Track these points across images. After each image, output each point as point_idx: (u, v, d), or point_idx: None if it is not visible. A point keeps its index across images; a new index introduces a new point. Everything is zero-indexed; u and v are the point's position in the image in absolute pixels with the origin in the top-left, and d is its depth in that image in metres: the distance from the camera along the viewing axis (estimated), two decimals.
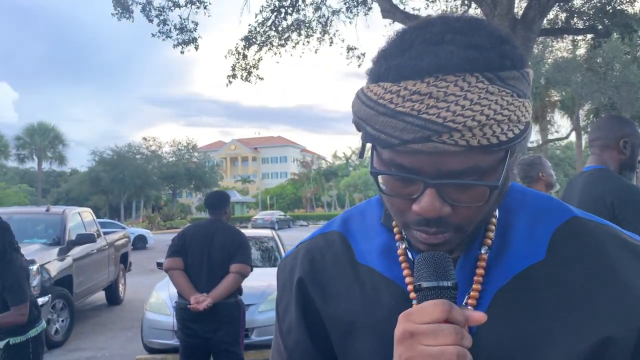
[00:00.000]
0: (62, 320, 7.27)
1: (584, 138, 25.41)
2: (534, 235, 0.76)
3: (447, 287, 0.64)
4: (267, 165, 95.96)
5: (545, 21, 9.47)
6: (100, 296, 9.89)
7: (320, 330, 0.81)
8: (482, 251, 0.75)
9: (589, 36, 10.62)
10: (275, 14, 10.69)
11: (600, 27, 9.44)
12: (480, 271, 0.74)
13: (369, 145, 0.71)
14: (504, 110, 0.62)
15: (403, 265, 0.77)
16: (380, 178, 0.71)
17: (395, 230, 0.80)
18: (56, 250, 7.45)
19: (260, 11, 10.63)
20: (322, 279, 0.83)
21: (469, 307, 0.69)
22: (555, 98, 26.38)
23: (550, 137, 28.38)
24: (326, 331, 0.81)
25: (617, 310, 0.70)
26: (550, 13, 10.05)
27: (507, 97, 0.63)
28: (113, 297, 9.97)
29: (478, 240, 0.75)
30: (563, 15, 10.27)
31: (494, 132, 0.62)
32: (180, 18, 10.09)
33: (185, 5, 9.94)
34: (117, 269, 9.93)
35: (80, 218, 8.82)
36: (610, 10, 9.23)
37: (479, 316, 0.63)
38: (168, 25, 9.97)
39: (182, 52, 10.25)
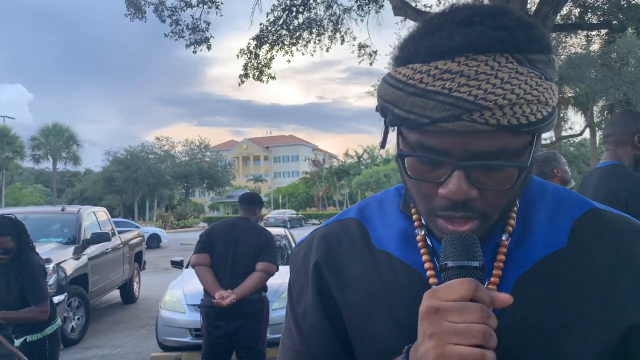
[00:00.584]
0: (78, 318, 7.35)
1: (598, 135, 25.14)
2: (555, 224, 0.76)
3: (473, 267, 0.63)
4: (279, 164, 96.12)
5: (558, 17, 9.39)
6: (115, 294, 9.99)
7: (336, 314, 0.81)
8: (503, 238, 0.75)
9: (603, 31, 10.50)
10: (286, 12, 10.70)
11: (614, 22, 9.33)
12: (501, 257, 0.74)
13: (391, 135, 0.71)
14: (533, 90, 0.63)
15: (422, 251, 0.77)
16: (406, 162, 0.70)
17: (414, 217, 0.80)
18: (71, 249, 7.52)
19: (271, 10, 10.66)
20: (339, 264, 0.82)
21: (494, 289, 0.68)
22: (569, 94, 26.12)
23: (563, 134, 28.11)
24: (341, 315, 0.80)
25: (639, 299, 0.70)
26: (564, 8, 9.95)
27: (535, 79, 0.64)
28: (128, 295, 10.06)
29: (499, 228, 0.75)
30: (577, 11, 10.17)
31: (523, 111, 0.63)
32: (193, 18, 10.15)
33: (197, 5, 9.99)
34: (131, 267, 10.01)
35: (95, 217, 8.90)
36: (625, 5, 9.12)
37: (505, 297, 0.62)
38: (180, 25, 10.04)
39: (194, 52, 10.31)
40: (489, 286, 0.72)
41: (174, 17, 9.90)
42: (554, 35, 15.83)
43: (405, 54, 0.68)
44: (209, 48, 10.38)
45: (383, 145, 0.75)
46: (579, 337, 0.69)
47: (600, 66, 18.07)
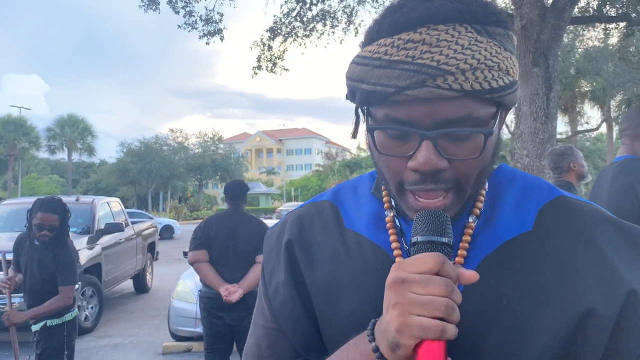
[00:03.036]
0: (92, 308, 7.43)
1: (615, 129, 24.79)
2: (522, 208, 0.77)
3: (442, 242, 0.64)
4: (292, 157, 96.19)
5: (576, 9, 9.25)
6: (128, 284, 10.08)
7: (306, 292, 0.82)
8: (470, 219, 0.77)
9: (622, 24, 10.32)
10: (300, 4, 10.66)
11: (633, 14, 9.16)
12: (466, 237, 0.75)
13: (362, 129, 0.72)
14: (493, 57, 0.66)
15: (390, 231, 0.79)
16: (376, 138, 0.71)
17: (384, 199, 0.82)
18: (85, 238, 7.60)
19: (285, 2, 10.62)
20: (310, 243, 0.84)
21: (460, 266, 0.68)
22: (586, 88, 25.77)
23: (579, 128, 27.78)
24: (310, 294, 0.82)
25: (600, 284, 0.71)
26: (582, 1, 9.81)
27: (495, 47, 0.67)
28: (141, 285, 10.16)
29: (467, 210, 0.77)
30: (595, 3, 10.01)
31: (485, 76, 0.65)
32: (206, 9, 10.15)
33: None
34: (144, 257, 10.09)
35: (108, 208, 8.98)
36: None
37: (471, 274, 0.63)
38: (194, 16, 10.03)
39: (207, 44, 10.31)
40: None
41: (187, 9, 9.90)
42: (571, 28, 15.62)
43: (371, 33, 0.71)
44: (222, 39, 10.38)
45: (355, 134, 0.75)
46: (538, 318, 0.70)
47: (618, 60, 17.78)
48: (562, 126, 27.79)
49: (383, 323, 0.62)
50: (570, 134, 26.65)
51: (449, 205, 0.70)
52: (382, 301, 0.64)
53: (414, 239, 0.66)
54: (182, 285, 6.24)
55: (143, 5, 9.69)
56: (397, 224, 0.79)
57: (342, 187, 0.91)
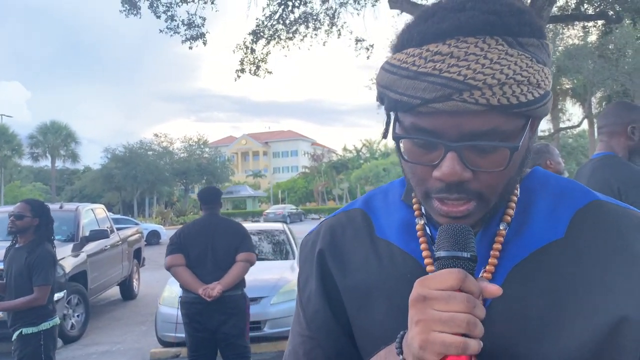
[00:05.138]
0: (78, 316, 7.37)
1: (597, 126, 25.09)
2: (554, 215, 0.76)
3: (465, 257, 0.64)
4: (278, 160, 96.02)
5: (555, 8, 9.37)
6: (115, 291, 10.01)
7: (338, 301, 0.83)
8: (501, 227, 0.76)
9: (600, 22, 10.48)
10: (282, 7, 10.66)
11: (611, 13, 9.31)
12: (497, 246, 0.74)
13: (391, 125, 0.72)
14: (523, 71, 0.64)
15: (421, 239, 0.79)
16: (402, 147, 0.72)
17: (415, 206, 0.82)
18: (70, 246, 7.54)
19: (267, 5, 10.62)
20: (341, 252, 0.85)
21: (485, 279, 0.68)
22: (567, 86, 26.09)
23: (562, 125, 28.10)
24: (343, 301, 0.83)
25: (633, 291, 0.70)
26: (560, 0, 9.94)
27: (526, 60, 0.65)
28: (127, 292, 10.08)
29: (498, 217, 0.76)
30: (573, 2, 10.15)
31: (513, 91, 0.64)
32: (188, 13, 10.11)
33: (193, 1, 9.95)
34: (130, 264, 10.03)
35: (93, 214, 8.91)
36: None
37: (495, 289, 0.63)
38: (176, 20, 10.00)
39: (190, 48, 10.27)
40: (484, 274, 0.73)
41: (169, 13, 9.86)
42: (551, 26, 15.80)
43: (401, 40, 0.70)
44: (205, 43, 10.34)
45: (385, 135, 0.75)
46: (567, 328, 0.69)
47: (598, 57, 18.05)
48: (544, 123, 28.05)
49: (408, 338, 0.63)
50: (552, 131, 26.93)
51: (472, 211, 0.70)
52: None
53: (437, 254, 0.66)
54: (168, 290, 6.21)
55: (124, 10, 9.63)
56: (428, 231, 0.79)
57: (374, 194, 0.91)
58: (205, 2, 10.03)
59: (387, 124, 0.74)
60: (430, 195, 0.71)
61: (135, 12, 9.63)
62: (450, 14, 0.66)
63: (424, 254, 0.77)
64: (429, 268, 0.75)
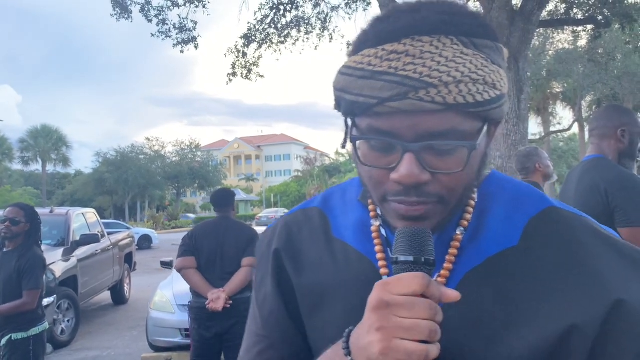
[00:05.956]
0: (68, 321, 7.32)
1: (587, 129, 25.25)
2: (510, 221, 0.76)
3: (423, 261, 0.64)
4: (271, 163, 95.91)
5: (545, 12, 9.44)
6: (106, 296, 9.95)
7: (294, 301, 0.82)
8: (458, 232, 0.75)
9: (589, 27, 10.58)
10: (274, 11, 10.69)
11: (600, 17, 9.40)
12: (453, 251, 0.74)
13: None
14: (478, 70, 0.64)
15: (376, 241, 0.78)
16: (359, 148, 0.70)
17: (370, 207, 0.81)
18: (60, 251, 7.49)
19: (259, 9, 10.65)
20: (297, 251, 0.84)
21: (442, 284, 0.69)
22: (557, 90, 26.28)
23: (552, 129, 28.28)
24: (298, 303, 0.82)
25: (583, 299, 0.70)
26: (550, 4, 10.01)
27: (481, 60, 0.65)
28: (118, 296, 10.03)
29: (454, 221, 0.76)
30: (563, 6, 10.24)
31: (469, 90, 0.63)
32: (179, 17, 10.12)
33: (184, 5, 9.95)
34: (122, 268, 9.97)
35: (84, 219, 8.86)
36: (610, 0, 9.19)
37: (454, 294, 0.62)
38: (167, 24, 9.99)
39: (182, 52, 10.27)
40: (438, 279, 0.73)
41: (160, 17, 9.85)
42: (541, 30, 15.92)
43: (357, 43, 0.70)
44: (196, 47, 10.34)
45: (344, 144, 0.74)
46: (518, 335, 0.70)
47: (588, 61, 18.16)
48: (535, 127, 28.27)
49: (363, 341, 0.62)
50: (543, 134, 27.11)
51: (431, 213, 0.69)
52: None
53: (395, 257, 0.65)
54: (159, 295, 6.18)
55: (115, 14, 9.62)
56: (383, 233, 0.79)
57: (333, 193, 0.90)
58: (196, 6, 10.04)
59: (347, 132, 0.73)
60: (387, 198, 0.70)
61: (126, 16, 9.62)
62: (405, 14, 0.67)
63: (379, 256, 0.77)
64: (382, 271, 0.75)
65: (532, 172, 3.55)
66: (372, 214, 0.81)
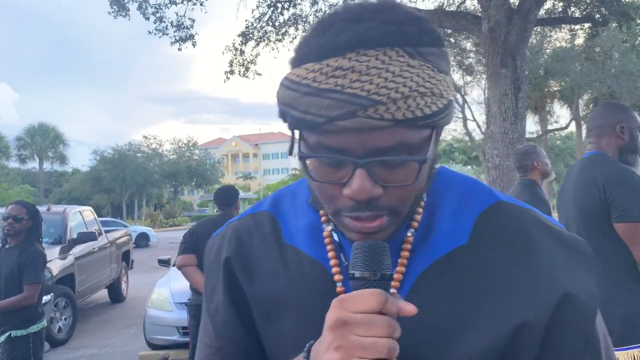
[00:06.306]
0: (65, 319, 7.31)
1: (584, 128, 25.32)
2: (458, 219, 0.76)
3: (380, 277, 0.63)
4: (268, 162, 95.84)
5: (542, 11, 9.45)
6: (103, 294, 9.94)
7: (247, 311, 0.80)
8: (408, 234, 0.75)
9: (587, 25, 10.59)
10: (272, 9, 10.67)
11: (597, 16, 9.41)
12: (405, 254, 0.74)
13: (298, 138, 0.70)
14: (426, 82, 0.63)
15: (328, 247, 0.77)
16: (309, 165, 0.69)
17: (321, 212, 0.79)
18: (57, 249, 7.48)
19: (257, 6, 10.62)
20: (248, 259, 0.82)
21: (399, 295, 0.68)
22: (555, 88, 26.29)
23: (549, 127, 28.32)
24: (252, 312, 0.80)
25: (534, 294, 0.70)
26: (548, 3, 10.02)
27: (428, 71, 0.63)
28: (116, 294, 10.03)
29: (405, 223, 0.74)
30: (560, 5, 10.25)
31: (417, 104, 0.62)
32: (177, 15, 10.09)
33: (182, 2, 9.93)
34: (119, 266, 9.96)
35: (81, 217, 8.85)
36: None
37: (410, 308, 0.62)
38: (165, 22, 9.97)
39: (179, 49, 10.25)
40: (392, 284, 0.72)
41: (158, 14, 9.83)
42: (538, 29, 15.94)
43: (299, 55, 0.67)
44: (194, 45, 10.33)
45: (291, 151, 0.72)
46: (472, 335, 0.70)
47: (585, 60, 18.21)
48: (532, 125, 28.27)
49: (322, 359, 0.61)
50: (540, 133, 27.14)
51: (385, 226, 0.68)
52: (322, 319, 0.62)
53: (351, 272, 0.64)
54: (157, 293, 6.18)
55: (113, 12, 9.59)
56: (335, 238, 0.77)
57: (282, 195, 0.87)
58: (194, 4, 10.01)
59: (292, 139, 0.71)
60: (341, 214, 0.68)
61: (124, 13, 9.60)
62: (348, 25, 0.64)
63: (332, 262, 0.75)
64: (336, 277, 0.74)
65: (530, 170, 3.55)
66: (323, 218, 0.79)
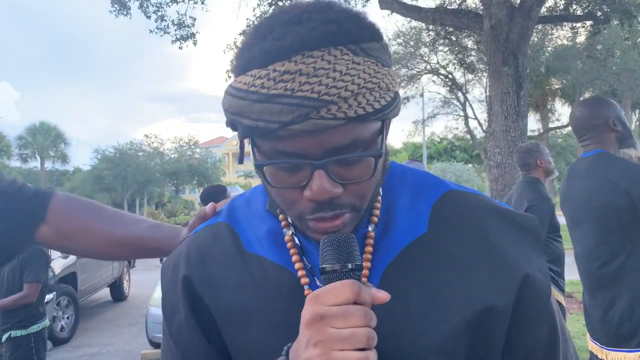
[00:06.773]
0: (68, 317, 7.32)
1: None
2: (416, 210, 0.78)
3: (352, 268, 0.64)
4: None
5: (543, 8, 9.43)
6: (105, 293, 9.96)
7: (212, 327, 0.78)
8: (370, 229, 0.76)
9: (588, 23, 10.56)
10: (272, 7, 10.66)
11: (599, 13, 9.40)
12: (369, 249, 0.75)
13: (248, 148, 0.70)
14: (372, 78, 0.64)
15: (292, 251, 0.77)
16: (266, 172, 0.69)
17: (280, 217, 0.79)
18: None
19: (258, 5, 10.62)
20: (210, 274, 0.79)
21: (370, 284, 0.67)
22: (556, 86, 26.24)
23: (551, 125, 28.28)
24: (217, 326, 0.78)
25: (496, 277, 0.73)
26: (549, 0, 10.01)
27: (373, 66, 0.64)
28: (118, 293, 10.05)
29: (365, 219, 0.76)
30: (562, 3, 10.23)
31: (367, 100, 0.63)
32: (178, 14, 10.10)
33: (183, 1, 9.94)
34: (121, 265, 9.97)
35: None
36: None
37: (383, 296, 0.62)
38: (166, 21, 9.97)
39: (180, 48, 10.27)
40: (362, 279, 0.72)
41: (159, 13, 9.84)
42: (539, 27, 15.91)
43: (243, 62, 0.67)
44: (195, 44, 10.34)
45: (241, 160, 0.73)
46: (441, 322, 0.71)
47: (586, 58, 18.16)
48: (534, 123, 28.25)
49: (302, 358, 0.60)
50: (542, 131, 27.11)
51: (347, 222, 0.69)
52: (292, 324, 0.62)
53: (322, 267, 0.64)
54: (159, 291, 6.18)
55: (114, 11, 9.59)
56: (297, 241, 0.77)
57: (237, 205, 0.86)
58: (195, 2, 10.02)
59: (242, 148, 0.72)
60: (304, 217, 0.69)
61: (125, 12, 9.60)
62: (289, 28, 0.64)
63: (297, 266, 0.75)
64: (303, 280, 0.74)
65: (533, 168, 3.55)
66: (283, 223, 0.79)
